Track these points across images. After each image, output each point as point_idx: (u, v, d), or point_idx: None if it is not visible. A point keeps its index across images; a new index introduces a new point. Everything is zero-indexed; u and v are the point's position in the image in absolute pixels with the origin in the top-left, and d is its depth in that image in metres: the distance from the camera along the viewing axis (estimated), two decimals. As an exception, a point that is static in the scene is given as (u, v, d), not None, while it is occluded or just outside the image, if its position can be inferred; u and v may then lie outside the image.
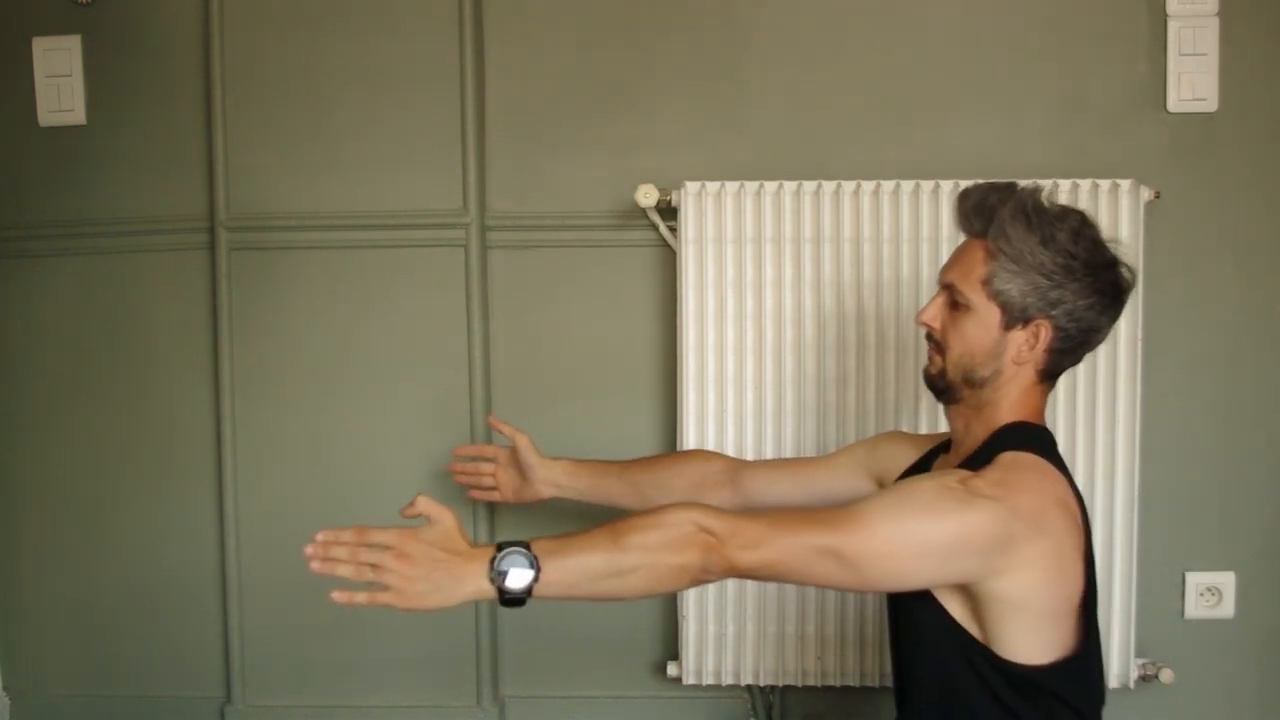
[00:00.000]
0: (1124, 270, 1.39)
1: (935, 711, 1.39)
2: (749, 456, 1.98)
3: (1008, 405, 1.40)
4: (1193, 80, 2.01)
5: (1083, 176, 1.95)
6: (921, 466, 1.54)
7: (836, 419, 1.98)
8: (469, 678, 2.12)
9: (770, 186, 1.97)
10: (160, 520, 2.17)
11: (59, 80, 2.13)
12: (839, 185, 1.97)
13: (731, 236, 1.98)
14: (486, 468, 1.85)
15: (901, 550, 1.27)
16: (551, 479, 1.79)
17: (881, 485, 1.60)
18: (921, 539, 1.27)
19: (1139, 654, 1.99)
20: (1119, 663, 1.95)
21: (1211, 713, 2.07)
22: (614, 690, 2.14)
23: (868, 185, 1.96)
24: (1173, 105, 2.02)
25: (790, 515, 1.33)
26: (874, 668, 1.99)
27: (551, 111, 2.09)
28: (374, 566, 1.22)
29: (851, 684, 2.00)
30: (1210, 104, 2.01)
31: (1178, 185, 2.01)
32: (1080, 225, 1.37)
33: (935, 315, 1.44)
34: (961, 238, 1.47)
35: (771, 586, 1.98)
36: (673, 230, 2.03)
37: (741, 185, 1.97)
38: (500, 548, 1.23)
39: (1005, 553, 1.27)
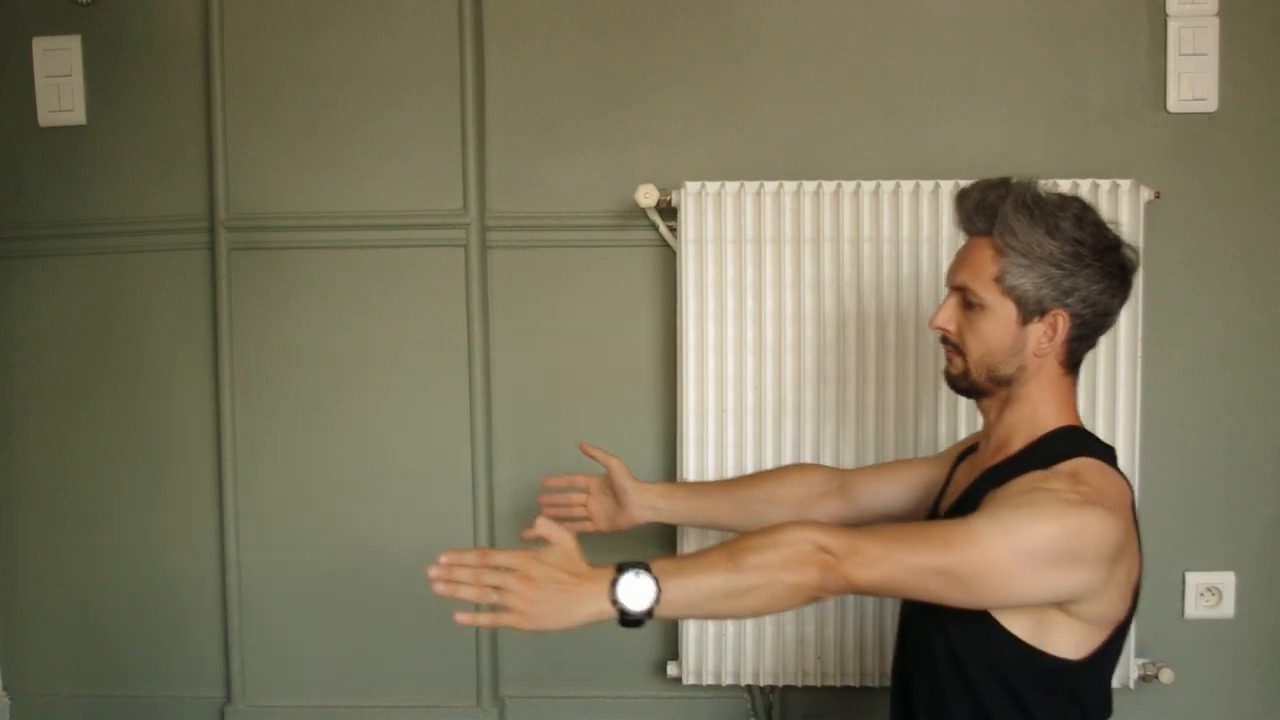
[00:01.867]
0: (1128, 250, 1.40)
1: (946, 699, 1.39)
2: (749, 455, 1.98)
3: (1043, 401, 1.40)
4: (1193, 80, 2.01)
5: (1083, 176, 1.95)
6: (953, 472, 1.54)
7: (836, 418, 1.98)
8: (469, 678, 2.12)
9: (770, 186, 1.97)
10: (160, 520, 2.17)
11: (59, 80, 2.13)
12: (839, 185, 1.97)
13: (731, 236, 1.98)
14: (578, 498, 1.76)
15: (1015, 564, 1.26)
16: (648, 503, 1.71)
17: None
18: (1036, 550, 1.26)
19: (1139, 654, 1.99)
20: (1119, 662, 1.95)
21: (1211, 713, 2.07)
22: (614, 690, 2.14)
23: (868, 185, 1.96)
24: (1173, 105, 2.02)
25: (905, 533, 1.32)
26: (874, 668, 1.99)
27: (551, 111, 2.09)
28: (497, 589, 1.22)
29: (851, 684, 2.00)
30: (1210, 104, 2.01)
31: (1178, 185, 2.01)
32: (1082, 210, 1.38)
33: (950, 318, 1.43)
34: (962, 239, 1.47)
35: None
36: (673, 230, 2.03)
37: (741, 185, 1.97)
38: (620, 568, 1.23)
39: (1111, 564, 1.28)
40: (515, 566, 1.22)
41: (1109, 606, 1.32)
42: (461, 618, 1.23)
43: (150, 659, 2.19)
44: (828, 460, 1.97)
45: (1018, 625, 1.33)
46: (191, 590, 2.17)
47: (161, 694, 2.19)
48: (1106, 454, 1.39)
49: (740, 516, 1.69)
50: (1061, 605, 1.30)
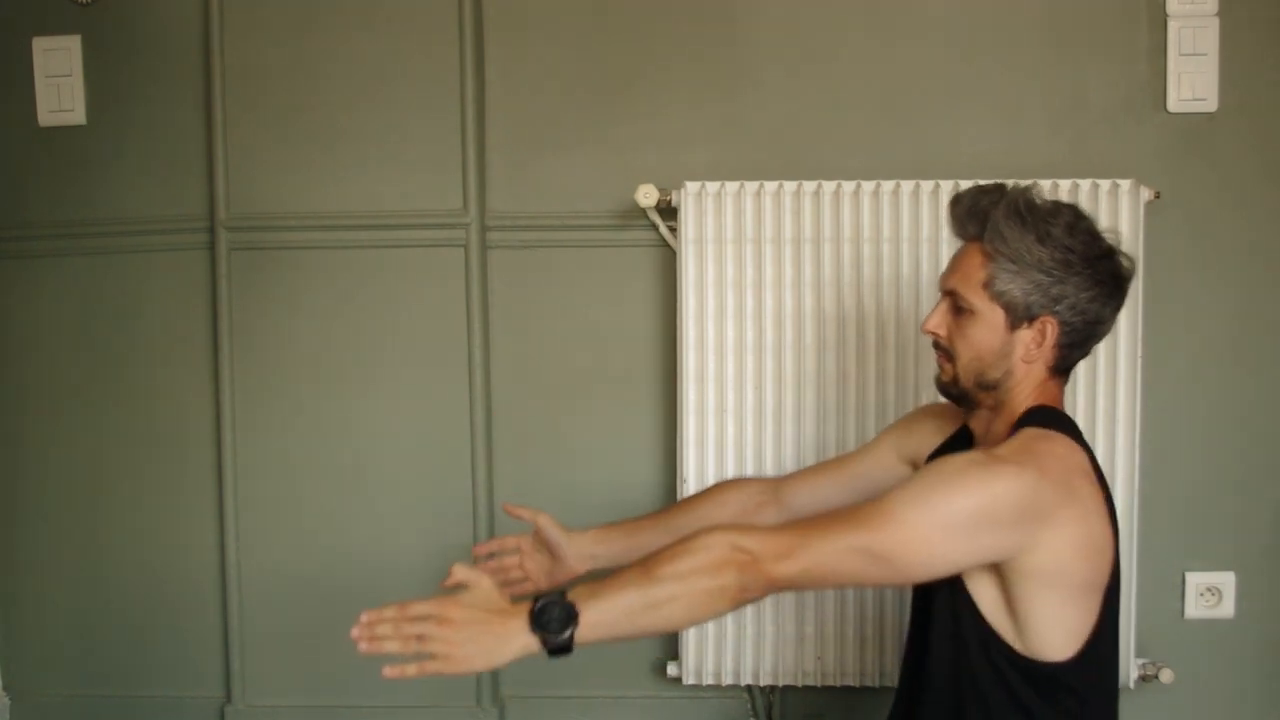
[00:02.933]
0: (1122, 259, 1.40)
1: (948, 708, 1.38)
2: (749, 456, 1.98)
3: (1024, 399, 1.40)
4: (1193, 80, 2.01)
5: (1083, 176, 1.95)
6: (948, 448, 1.53)
7: (836, 418, 1.98)
8: (469, 678, 2.12)
9: (770, 186, 1.97)
10: (160, 520, 2.17)
11: (59, 80, 2.13)
12: (839, 185, 1.97)
13: (731, 236, 1.98)
14: (510, 560, 1.67)
15: (930, 534, 1.26)
16: (584, 551, 1.65)
17: (915, 467, 1.59)
18: (948, 517, 1.26)
19: (1139, 654, 1.99)
20: (1119, 663, 1.95)
21: (1211, 713, 2.07)
22: (614, 690, 2.14)
23: (868, 185, 1.96)
24: (1173, 105, 2.02)
25: (820, 519, 1.32)
26: (874, 667, 1.99)
27: (551, 111, 2.09)
28: (419, 637, 1.22)
29: (851, 684, 2.00)
30: (1210, 104, 2.01)
31: (1178, 185, 2.01)
32: (1074, 219, 1.37)
33: (940, 323, 1.44)
34: (959, 242, 1.47)
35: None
36: (673, 230, 2.03)
37: (741, 185, 1.97)
38: (537, 600, 1.23)
39: (1035, 521, 1.27)
40: (434, 613, 1.23)
41: (1056, 559, 1.29)
42: (389, 671, 1.23)
43: (150, 659, 2.19)
44: (831, 459, 1.97)
45: (1005, 626, 1.32)
46: (191, 590, 2.17)
47: (161, 694, 2.19)
48: (1059, 423, 1.38)
49: None
50: (1008, 565, 1.29)
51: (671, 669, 2.05)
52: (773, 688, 2.08)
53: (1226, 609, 2.05)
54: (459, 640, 1.22)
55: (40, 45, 2.13)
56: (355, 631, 1.24)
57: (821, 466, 1.73)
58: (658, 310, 2.09)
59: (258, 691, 2.16)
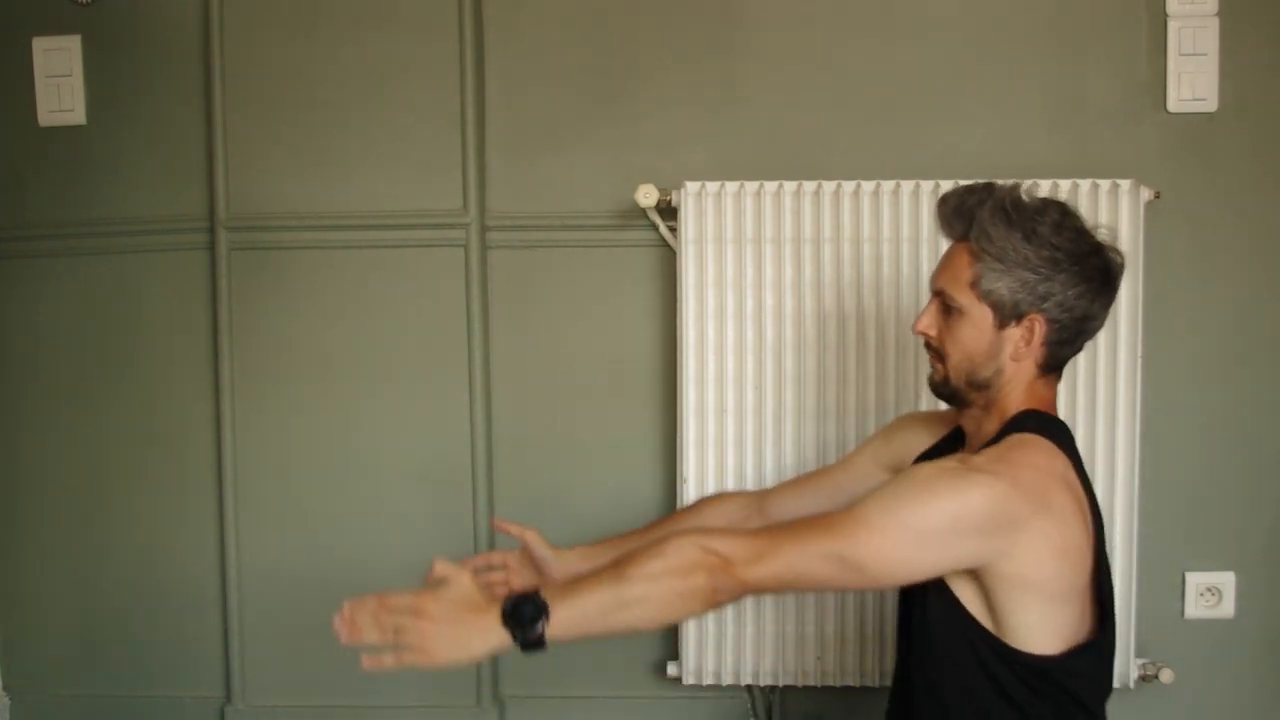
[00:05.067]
0: (1110, 254, 1.40)
1: (939, 705, 1.39)
2: (749, 456, 1.98)
3: (1015, 399, 1.40)
4: (1193, 80, 2.01)
5: (1083, 176, 1.95)
6: (935, 453, 1.54)
7: (836, 418, 1.98)
8: (469, 678, 2.12)
9: (770, 186, 1.97)
10: (160, 520, 2.17)
11: (59, 80, 2.13)
12: (839, 185, 1.97)
13: (731, 236, 1.98)
14: (497, 576, 1.68)
15: (902, 542, 1.27)
16: (570, 569, 1.64)
17: (898, 473, 1.59)
18: (919, 525, 1.27)
19: (1139, 654, 1.99)
20: (1119, 663, 1.95)
21: (1211, 713, 2.07)
22: (614, 690, 2.14)
23: (868, 185, 1.96)
24: (1173, 105, 2.02)
25: (793, 525, 1.33)
26: (874, 667, 1.99)
27: (551, 111, 2.09)
28: (397, 630, 1.24)
29: (851, 684, 2.00)
30: (1210, 104, 2.01)
31: (1178, 185, 2.01)
32: (1061, 216, 1.37)
33: (930, 323, 1.44)
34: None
35: (771, 586, 1.98)
36: (673, 230, 2.03)
37: (741, 185, 1.97)
38: (510, 597, 1.25)
39: (1008, 531, 1.27)
40: (411, 606, 1.25)
41: (1034, 567, 1.29)
42: (367, 663, 1.25)
43: (150, 659, 2.19)
44: (831, 459, 1.97)
45: (987, 620, 1.33)
46: (191, 590, 2.17)
47: (161, 694, 2.19)
48: (1047, 428, 1.37)
49: None
50: (978, 573, 1.30)
51: (671, 669, 2.05)
52: (773, 688, 2.08)
53: (1226, 609, 2.05)
54: (434, 634, 1.23)
55: (40, 45, 2.13)
56: (337, 622, 1.25)
57: (804, 479, 1.74)
58: (658, 310, 2.09)
59: (258, 691, 2.16)
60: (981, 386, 1.41)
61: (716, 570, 1.25)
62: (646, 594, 1.25)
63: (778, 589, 1.33)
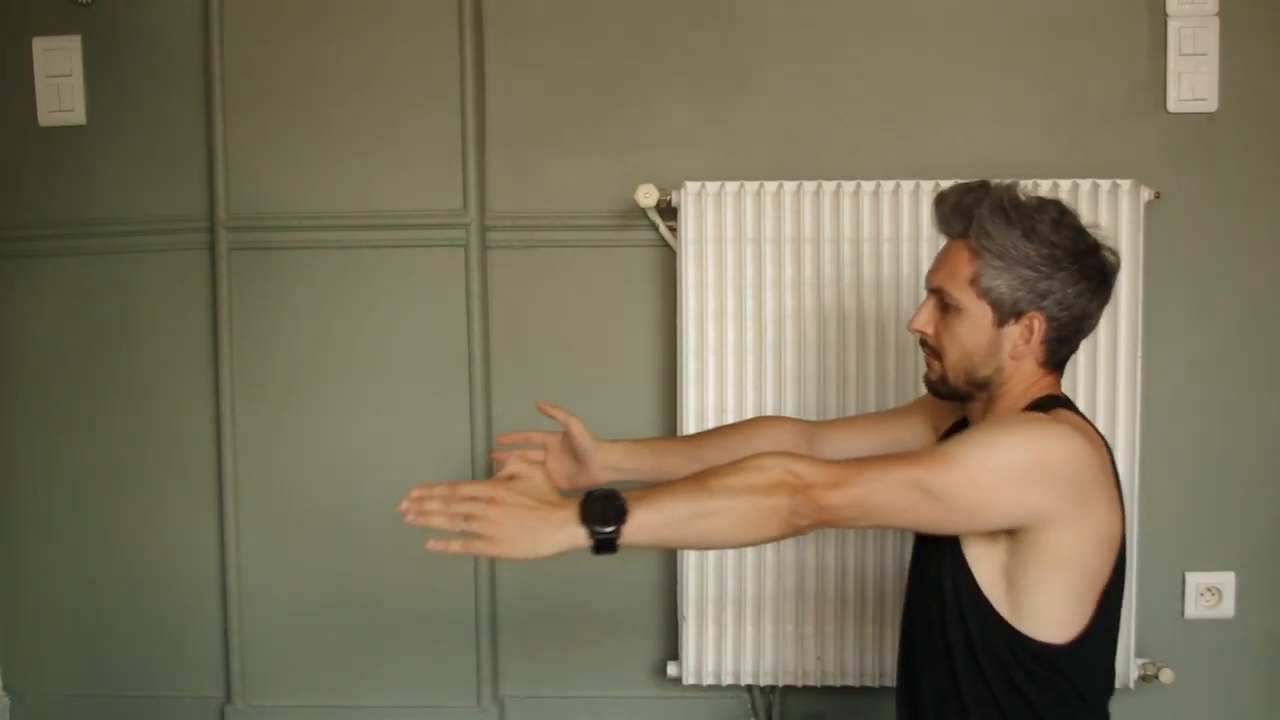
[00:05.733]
0: (1107, 253, 1.40)
1: (947, 687, 1.38)
2: (749, 456, 1.98)
3: (1018, 395, 1.41)
4: (1193, 80, 2.01)
5: (1083, 176, 1.95)
6: (949, 435, 1.54)
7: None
8: (469, 678, 2.13)
9: (770, 186, 1.97)
10: (160, 520, 2.17)
11: (59, 80, 2.13)
12: (839, 185, 1.97)
13: (731, 236, 1.98)
14: (535, 455, 1.65)
15: (985, 478, 1.27)
16: (610, 462, 1.64)
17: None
18: (1003, 463, 1.27)
19: (1139, 654, 1.99)
20: (1119, 663, 1.95)
21: (1211, 713, 2.07)
22: (614, 690, 2.14)
23: (868, 185, 1.96)
24: (1173, 105, 2.02)
25: (875, 457, 1.34)
26: (874, 668, 1.99)
27: (552, 111, 2.09)
28: (468, 517, 1.22)
29: (851, 684, 2.00)
30: (1210, 104, 2.01)
31: (1178, 185, 2.01)
32: (1059, 214, 1.38)
33: (927, 321, 1.44)
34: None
35: (771, 586, 1.98)
36: (673, 230, 2.03)
37: (741, 185, 1.97)
38: (589, 494, 1.23)
39: (1078, 492, 1.29)
40: (486, 494, 1.22)
41: (1079, 549, 1.30)
42: (433, 544, 1.21)
43: (150, 659, 2.19)
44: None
45: (1000, 601, 1.33)
46: (192, 590, 2.17)
47: (161, 694, 2.19)
48: (1079, 418, 1.39)
49: None
50: (1031, 537, 1.30)
51: (671, 669, 2.05)
52: (773, 688, 2.08)
53: (1226, 609, 2.05)
54: (508, 523, 1.21)
55: (40, 45, 2.13)
56: (404, 505, 1.23)
57: (858, 419, 1.74)
58: (658, 310, 2.09)
59: (258, 691, 2.16)
60: (981, 385, 1.41)
61: (798, 491, 1.24)
62: (726, 506, 1.23)
63: (857, 518, 1.30)
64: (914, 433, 1.62)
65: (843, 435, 1.67)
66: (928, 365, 1.46)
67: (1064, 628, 1.33)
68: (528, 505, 1.22)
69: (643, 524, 1.21)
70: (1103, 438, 1.39)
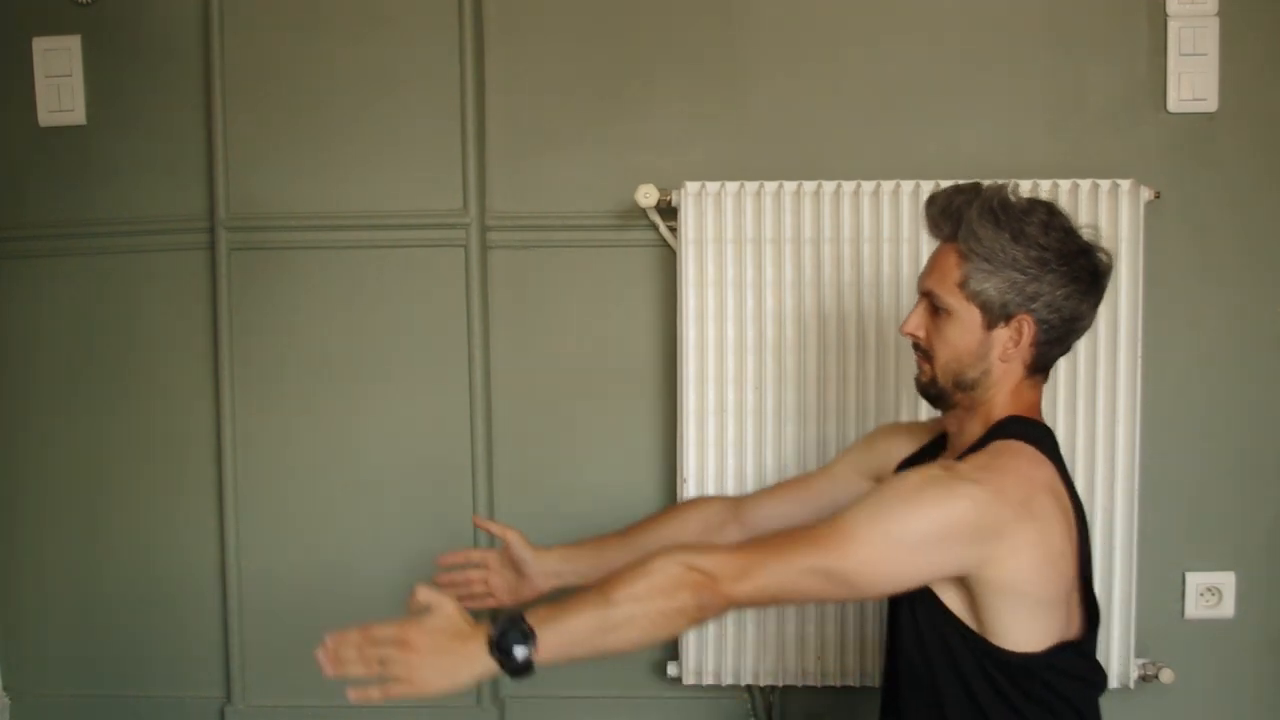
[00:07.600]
0: (1098, 254, 1.40)
1: (930, 703, 1.39)
2: (749, 456, 1.98)
3: (1001, 402, 1.41)
4: (1193, 80, 2.01)
5: (1083, 176, 1.95)
6: (919, 459, 1.54)
7: (836, 418, 1.98)
8: (469, 678, 2.12)
9: (770, 186, 1.97)
10: (160, 520, 2.17)
11: (59, 80, 2.13)
12: (839, 185, 1.97)
13: (731, 236, 1.97)
14: (475, 574, 1.70)
15: (887, 553, 1.27)
16: (550, 570, 1.67)
17: (879, 482, 1.59)
18: (904, 535, 1.27)
19: (1139, 654, 1.99)
20: (1119, 663, 1.95)
21: (1211, 713, 2.07)
22: (614, 690, 2.14)
23: (868, 185, 1.96)
24: (1173, 105, 2.02)
25: (777, 539, 1.32)
26: (874, 668, 1.99)
27: (552, 111, 2.09)
28: (381, 661, 1.24)
29: (851, 684, 2.00)
30: (1210, 104, 2.01)
31: (1178, 185, 2.01)
32: (1048, 216, 1.37)
33: (918, 324, 1.44)
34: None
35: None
36: (673, 230, 2.03)
37: (741, 185, 1.97)
38: (495, 624, 1.24)
39: (993, 539, 1.27)
40: (396, 637, 1.24)
41: (1017, 573, 1.29)
42: (353, 694, 1.25)
43: (150, 659, 2.19)
44: (832, 459, 1.97)
45: (972, 621, 1.33)
46: (191, 590, 2.17)
47: (161, 694, 2.19)
48: (1032, 435, 1.38)
49: None
50: (973, 575, 1.30)
51: (671, 669, 2.05)
52: (773, 688, 2.08)
53: (1226, 609, 2.05)
54: (419, 664, 1.23)
55: (40, 45, 2.13)
56: (321, 655, 1.25)
57: (783, 486, 1.74)
58: (658, 310, 2.09)
59: (258, 691, 2.16)
60: (968, 387, 1.41)
61: (701, 588, 1.25)
62: (632, 615, 1.24)
63: (764, 604, 1.34)
64: (845, 489, 1.61)
65: (772, 504, 1.68)
66: (919, 367, 1.47)
67: (1036, 639, 1.32)
68: (437, 644, 1.24)
69: (552, 646, 1.23)
70: (1054, 454, 1.38)
